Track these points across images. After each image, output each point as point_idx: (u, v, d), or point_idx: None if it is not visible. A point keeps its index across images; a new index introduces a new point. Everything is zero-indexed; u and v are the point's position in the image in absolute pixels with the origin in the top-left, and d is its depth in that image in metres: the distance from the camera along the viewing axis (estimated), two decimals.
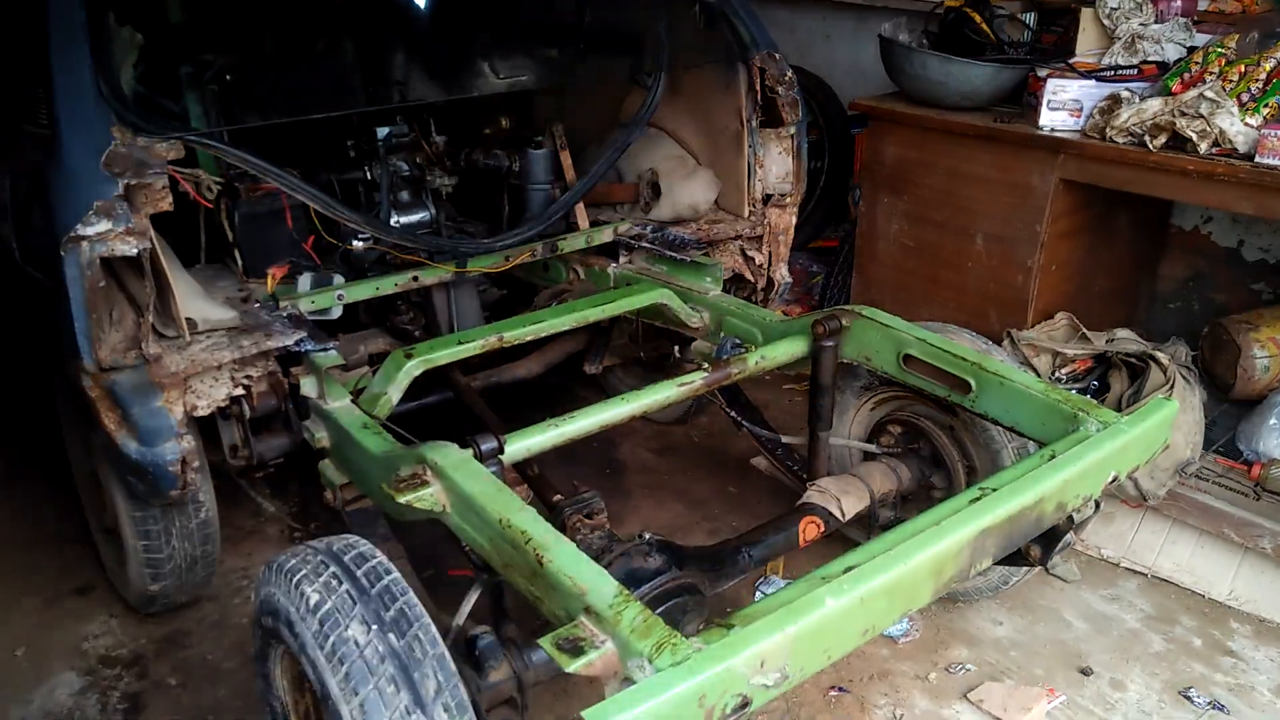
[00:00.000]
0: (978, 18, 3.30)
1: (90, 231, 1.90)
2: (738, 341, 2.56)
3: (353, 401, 2.24)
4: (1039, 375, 3.00)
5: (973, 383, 2.16)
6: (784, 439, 2.72)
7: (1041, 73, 3.07)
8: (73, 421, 2.57)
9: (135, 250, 1.95)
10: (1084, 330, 3.06)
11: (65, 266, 1.91)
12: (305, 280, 2.53)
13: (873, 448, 2.50)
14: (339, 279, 2.61)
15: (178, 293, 2.14)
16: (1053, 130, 2.98)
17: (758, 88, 2.91)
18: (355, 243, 2.66)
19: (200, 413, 2.14)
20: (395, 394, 2.30)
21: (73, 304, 1.93)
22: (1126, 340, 2.99)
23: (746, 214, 3.07)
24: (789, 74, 2.93)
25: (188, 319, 2.17)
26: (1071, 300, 3.22)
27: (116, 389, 2.03)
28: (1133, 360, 2.90)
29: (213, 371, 2.16)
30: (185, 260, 2.46)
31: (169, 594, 2.48)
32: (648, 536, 1.93)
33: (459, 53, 2.66)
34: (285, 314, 2.38)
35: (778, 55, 2.91)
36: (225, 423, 2.29)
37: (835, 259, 4.05)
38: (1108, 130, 2.83)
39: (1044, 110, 2.99)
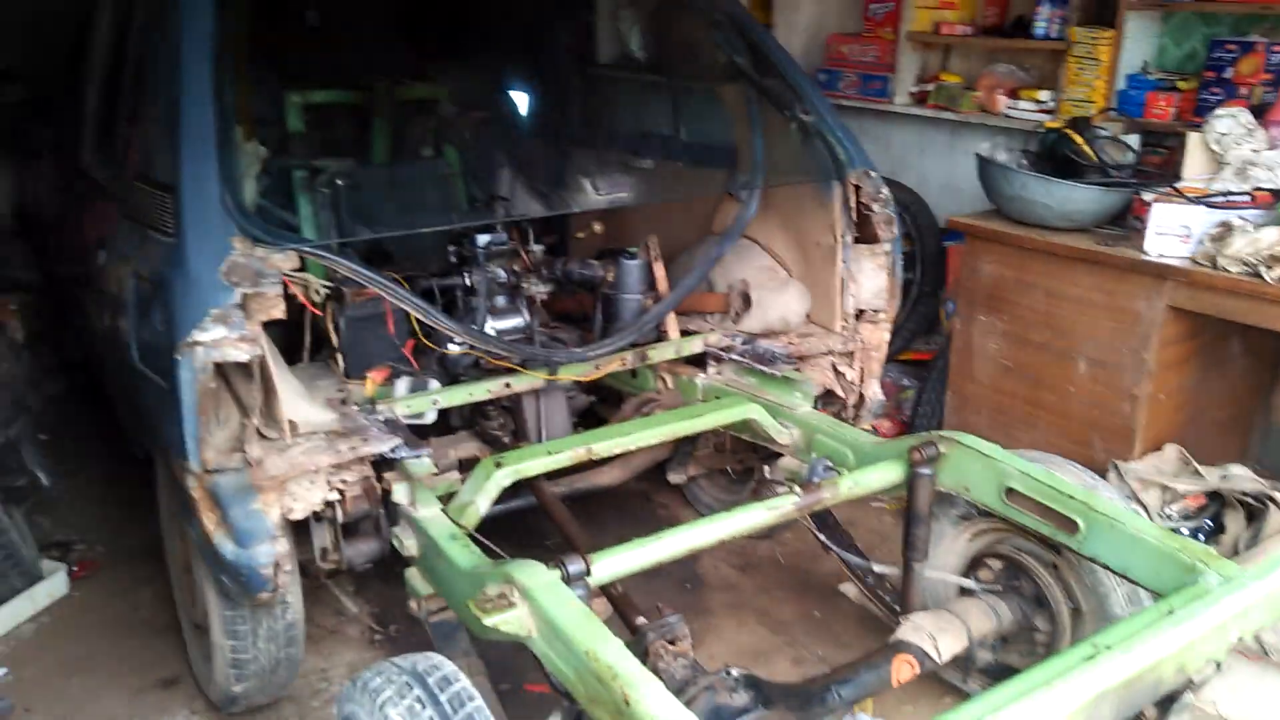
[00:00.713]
0: (1079, 139, 3.27)
1: (206, 337, 1.97)
2: (829, 464, 2.51)
3: (442, 510, 2.25)
4: (1147, 511, 2.87)
5: (1080, 523, 2.06)
6: (875, 567, 2.63)
7: (1147, 196, 3.01)
8: (172, 516, 2.64)
9: (247, 356, 2.02)
10: (1195, 464, 2.92)
11: (179, 370, 1.99)
12: (403, 385, 2.58)
13: (971, 583, 2.39)
14: (434, 384, 2.65)
15: (282, 395, 2.20)
16: (1160, 256, 2.91)
17: (852, 204, 2.92)
18: (451, 347, 2.71)
19: (295, 516, 2.17)
20: (484, 504, 2.31)
21: (183, 406, 2.00)
22: (1242, 478, 2.84)
23: (838, 329, 3.04)
24: (884, 192, 2.93)
25: (290, 421, 2.23)
26: (1181, 431, 3.09)
27: (218, 490, 2.08)
28: (1250, 500, 2.75)
29: (310, 475, 2.19)
30: (289, 357, 2.55)
31: (251, 695, 2.48)
32: (734, 673, 1.86)
33: (561, 170, 2.74)
34: (382, 418, 2.42)
35: (873, 173, 2.92)
36: (317, 525, 2.32)
37: (928, 373, 3.97)
38: (1219, 258, 2.75)
39: (1150, 235, 2.92)
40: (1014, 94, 3.95)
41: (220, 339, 1.99)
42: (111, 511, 3.49)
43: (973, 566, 2.46)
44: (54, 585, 2.99)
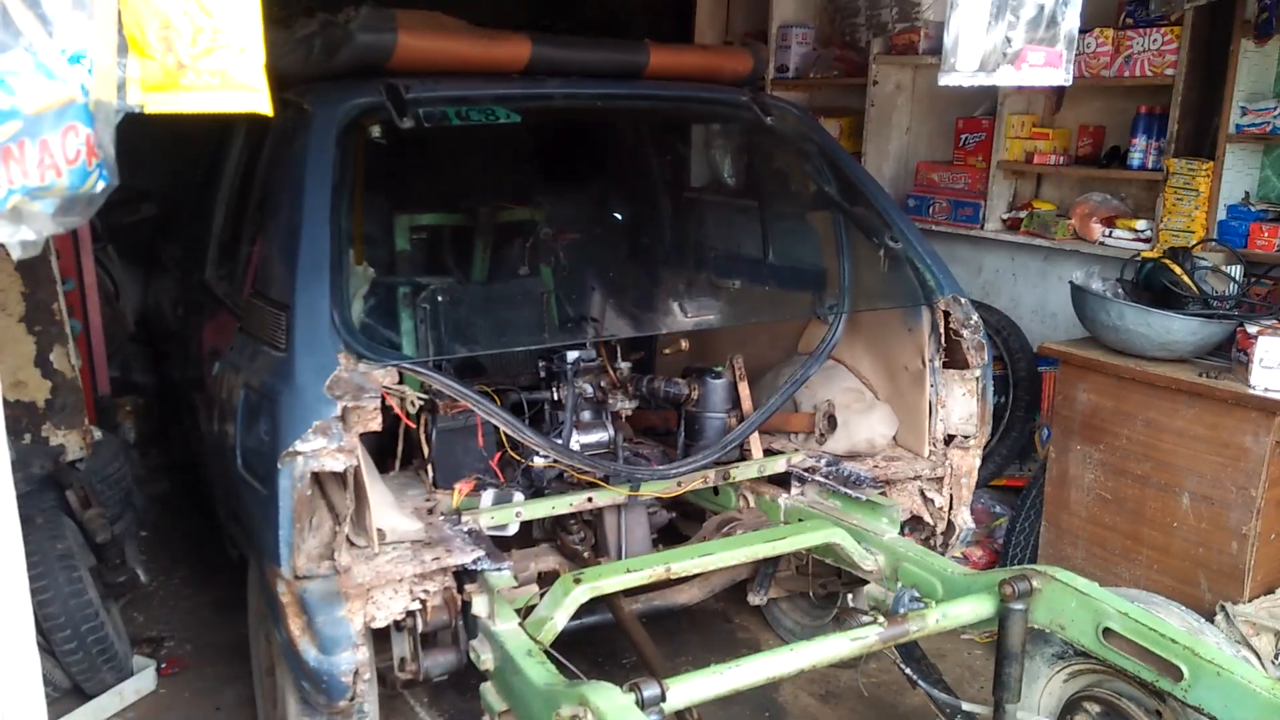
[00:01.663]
0: (1177, 269, 3.21)
1: (306, 448, 2.06)
2: (916, 594, 2.43)
3: (520, 624, 2.26)
4: (1259, 658, 2.69)
5: (1184, 669, 1.95)
6: (965, 706, 2.51)
7: (1251, 329, 2.92)
8: (260, 618, 2.70)
9: (343, 466, 2.10)
10: None
11: (279, 478, 2.08)
12: (488, 497, 2.63)
13: None
14: (518, 496, 2.69)
15: (373, 504, 2.27)
16: (1267, 390, 2.80)
17: (941, 330, 2.91)
18: (537, 460, 2.76)
19: (378, 624, 2.21)
20: (561, 620, 2.30)
21: (280, 513, 2.08)
22: None
23: (926, 453, 3.00)
24: (974, 318, 2.92)
25: (379, 530, 2.29)
26: None
27: (306, 596, 2.13)
28: None
29: (394, 584, 2.24)
30: (380, 465, 2.63)
31: None
32: None
33: (651, 291, 2.81)
34: (466, 529, 2.47)
35: (963, 299, 2.92)
36: (398, 634, 2.35)
37: (1022, 501, 3.84)
38: None
39: (1256, 368, 2.82)
40: (1110, 222, 3.93)
41: (320, 449, 2.08)
42: (202, 610, 3.59)
43: (1069, 710, 2.33)
44: (143, 681, 3.06)
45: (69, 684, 2.86)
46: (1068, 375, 3.39)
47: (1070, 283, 3.36)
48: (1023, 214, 4.28)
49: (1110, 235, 3.89)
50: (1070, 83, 2.08)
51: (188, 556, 3.92)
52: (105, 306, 4.10)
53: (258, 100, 1.17)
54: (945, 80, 1.93)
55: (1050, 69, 1.97)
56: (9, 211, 1.03)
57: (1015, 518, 3.84)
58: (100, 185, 1.10)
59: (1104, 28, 3.85)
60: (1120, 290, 3.34)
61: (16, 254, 1.09)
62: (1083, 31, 3.86)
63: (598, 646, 2.98)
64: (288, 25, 3.04)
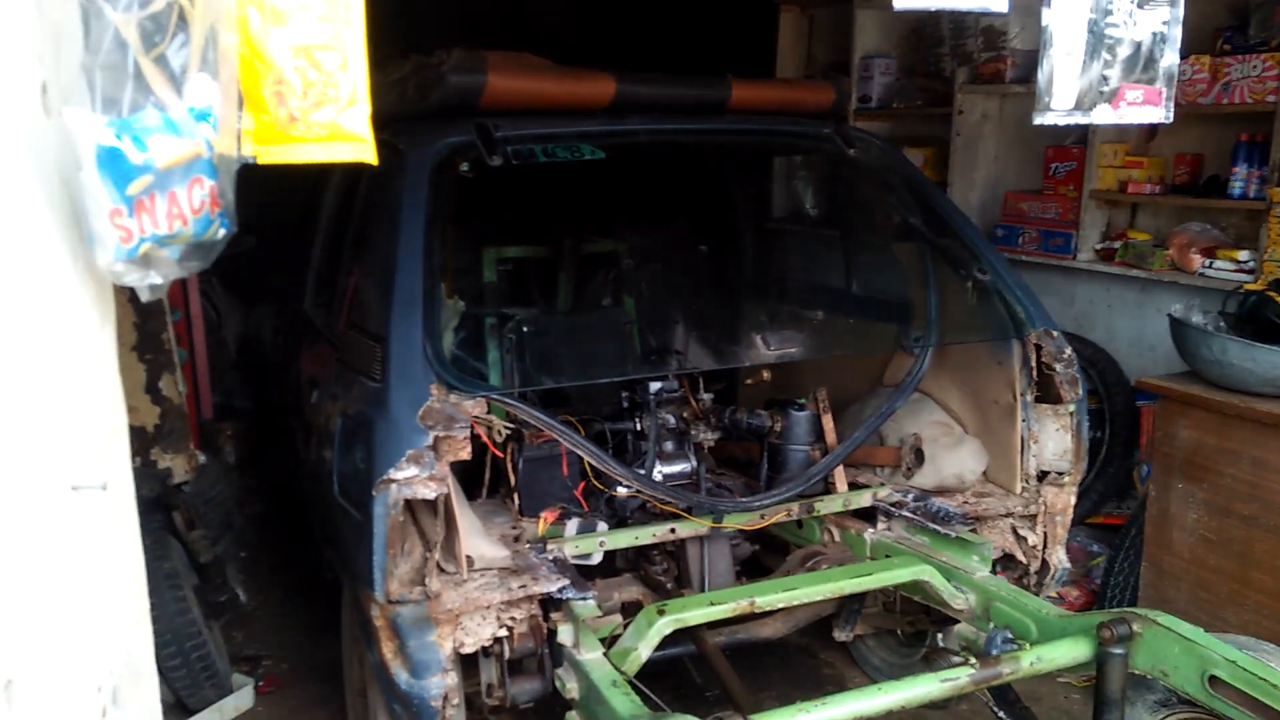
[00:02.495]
0: None
1: (400, 475, 2.13)
2: (1008, 635, 2.37)
3: (604, 654, 2.27)
4: None
5: None
6: None
7: None
8: (353, 640, 2.78)
9: (435, 494, 2.16)
10: None
11: (374, 505, 2.14)
12: (572, 526, 2.66)
13: None
14: (602, 526, 2.72)
15: (462, 531, 2.32)
16: None
17: (1033, 363, 2.85)
18: (620, 489, 2.79)
19: (466, 650, 2.25)
20: (645, 651, 2.31)
21: (374, 539, 2.15)
22: None
23: (1019, 490, 2.93)
24: (1067, 351, 2.85)
25: (467, 556, 2.34)
26: None
27: (398, 621, 2.19)
28: None
29: (482, 610, 2.28)
30: (469, 493, 2.69)
31: None
32: None
33: (734, 323, 2.83)
34: (551, 557, 2.50)
35: (1055, 333, 2.86)
36: (485, 661, 2.39)
37: (1121, 541, 3.70)
38: None
39: None
40: (1209, 253, 3.80)
41: (413, 477, 2.14)
42: (299, 631, 3.70)
43: None
44: (241, 699, 3.16)
45: (172, 699, 2.97)
46: (1168, 411, 3.27)
47: (1169, 316, 3.26)
48: (1117, 244, 4.16)
49: (1210, 266, 3.76)
50: (1171, 120, 2.03)
51: (285, 578, 4.05)
52: (209, 335, 4.28)
53: (364, 150, 1.24)
54: (1040, 119, 1.90)
55: (1150, 107, 1.92)
56: (139, 258, 1.11)
57: (1114, 557, 3.70)
58: (221, 232, 1.17)
59: (1200, 55, 3.74)
60: (1222, 324, 3.22)
61: (145, 296, 1.16)
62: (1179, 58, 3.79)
63: (681, 679, 2.97)
64: (383, 67, 3.17)
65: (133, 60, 1.08)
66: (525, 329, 3.23)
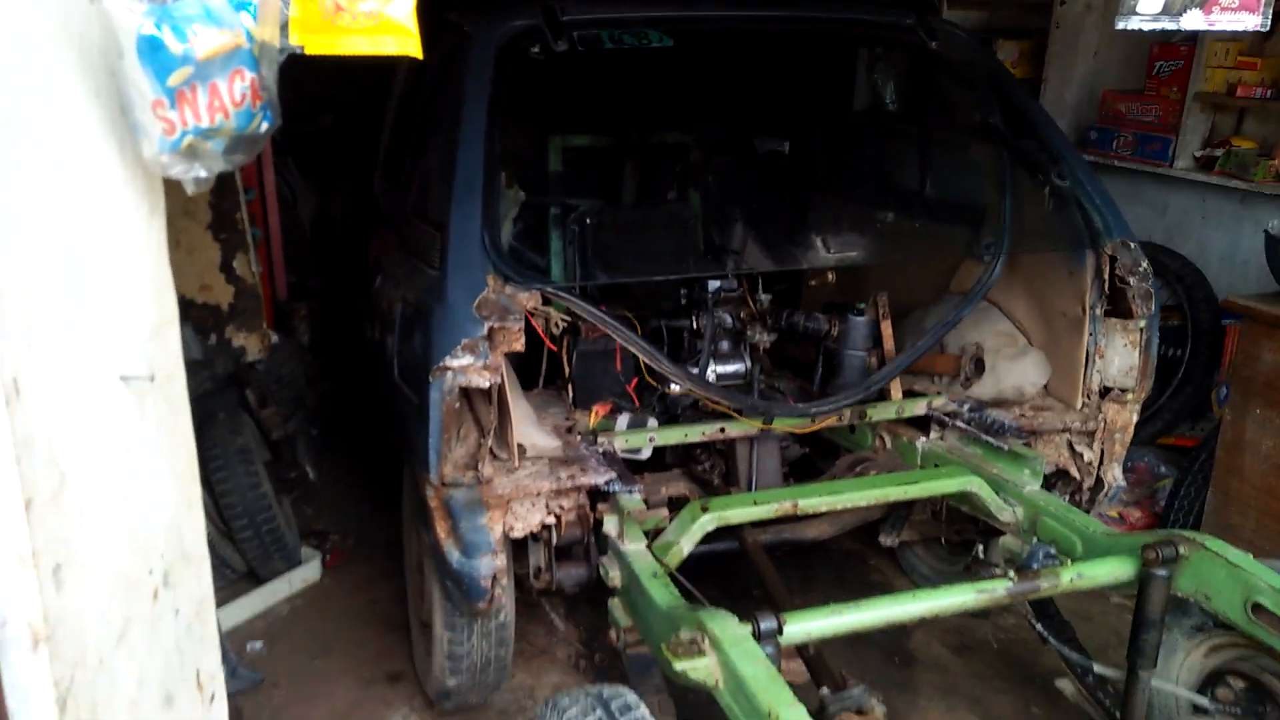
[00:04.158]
0: None
1: (455, 364, 2.18)
2: (1051, 551, 2.36)
3: (647, 546, 2.34)
4: None
5: None
6: (1096, 668, 2.44)
7: None
8: (411, 519, 2.91)
9: (488, 383, 2.21)
10: None
11: (430, 390, 2.21)
12: (623, 420, 2.70)
13: (1205, 702, 2.17)
14: (653, 422, 2.75)
15: (515, 420, 2.38)
16: None
17: (1105, 276, 2.74)
18: (673, 387, 2.81)
19: (515, 534, 2.34)
20: (687, 545, 2.37)
21: (430, 423, 2.22)
22: None
23: (1080, 405, 2.86)
24: (1144, 264, 2.73)
25: (519, 445, 2.40)
26: None
27: (451, 503, 2.28)
28: None
29: (532, 498, 2.36)
30: (526, 382, 2.74)
31: (463, 692, 2.67)
32: None
33: (797, 224, 2.77)
34: (601, 450, 2.55)
35: (1132, 244, 2.73)
36: (534, 545, 2.48)
37: (1190, 463, 3.61)
38: None
39: None
40: None
41: (467, 365, 2.19)
42: (365, 507, 3.87)
43: (1210, 682, 2.23)
44: (309, 571, 3.35)
45: (245, 568, 3.17)
46: (1252, 332, 3.13)
47: (1265, 232, 3.08)
48: (1219, 152, 3.92)
49: None
50: (1268, 28, 1.87)
51: (354, 456, 4.22)
52: (284, 215, 4.36)
53: (409, 44, 1.23)
54: (1123, 24, 1.78)
55: (1245, 13, 1.78)
56: (184, 150, 1.13)
57: (1181, 480, 3.61)
58: (264, 126, 1.18)
59: None
60: None
61: (190, 189, 1.19)
62: None
63: (730, 576, 3.04)
64: None
65: None
66: (587, 219, 3.21)
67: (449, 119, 2.55)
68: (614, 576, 2.34)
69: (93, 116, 1.11)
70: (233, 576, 3.16)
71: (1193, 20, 1.77)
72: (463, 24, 2.80)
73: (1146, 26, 1.78)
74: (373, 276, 3.02)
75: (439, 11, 3.04)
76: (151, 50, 1.06)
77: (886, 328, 2.96)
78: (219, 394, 3.09)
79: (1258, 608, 1.99)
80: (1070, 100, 4.51)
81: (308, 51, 1.24)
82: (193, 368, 3.00)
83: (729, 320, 3.07)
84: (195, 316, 3.17)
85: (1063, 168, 2.81)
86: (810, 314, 3.03)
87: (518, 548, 2.50)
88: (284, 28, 1.20)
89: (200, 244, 3.18)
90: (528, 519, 2.36)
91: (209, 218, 3.18)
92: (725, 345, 3.06)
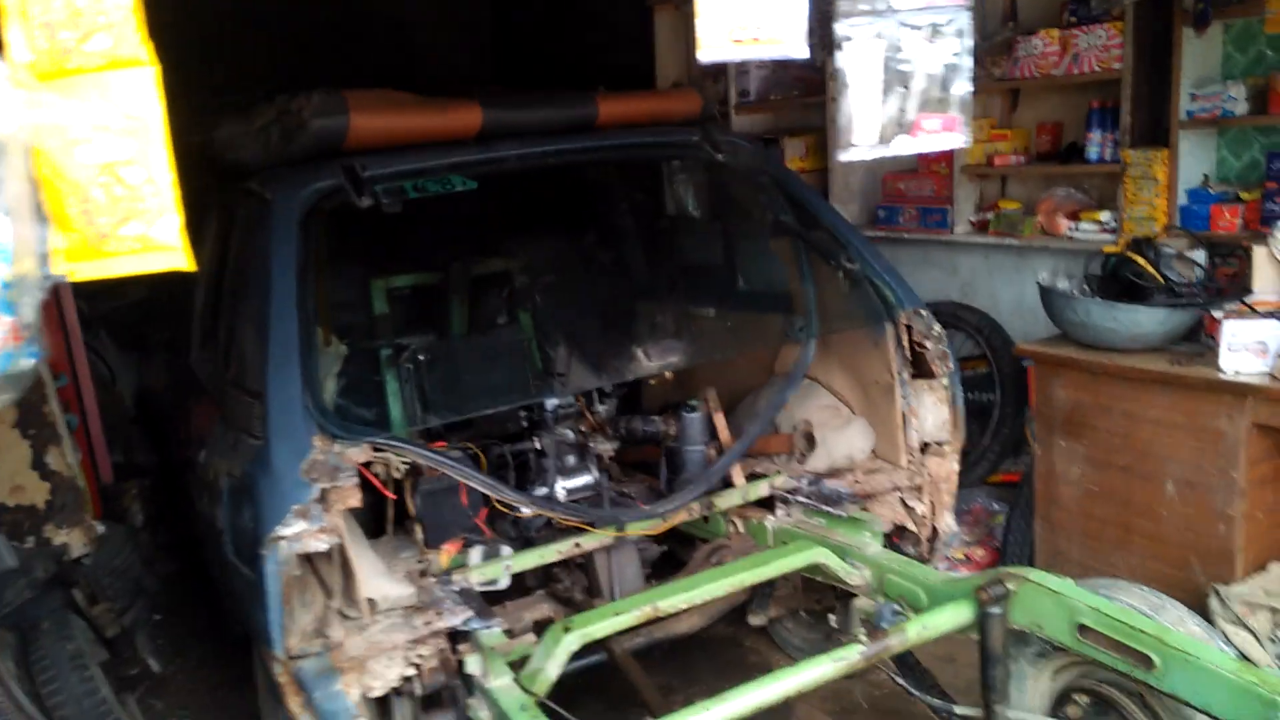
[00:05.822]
0: (1141, 260, 3.25)
1: (289, 532, 2.13)
2: (897, 608, 2.48)
3: (514, 678, 2.31)
4: (1256, 636, 2.72)
5: (1155, 659, 1.99)
6: (957, 710, 2.54)
7: (1217, 313, 2.96)
8: (267, 696, 2.77)
9: (326, 546, 2.17)
10: None
11: (265, 564, 2.15)
12: (476, 554, 2.68)
13: None
14: (507, 549, 2.74)
15: (362, 575, 2.34)
16: (1236, 373, 2.84)
17: (905, 342, 2.97)
18: (524, 510, 2.82)
19: (375, 694, 2.27)
20: (554, 670, 2.35)
21: (269, 597, 2.15)
22: None
23: (904, 463, 3.04)
24: (936, 328, 2.97)
25: (369, 599, 2.35)
26: None
27: (301, 674, 2.19)
28: None
29: (388, 653, 2.30)
30: (379, 527, 2.69)
31: None
32: None
33: (617, 340, 2.88)
34: (456, 588, 2.52)
35: (923, 312, 2.97)
36: (398, 700, 2.40)
37: (1016, 498, 3.87)
38: None
39: (1224, 352, 2.86)
40: (1075, 216, 3.98)
41: (301, 532, 2.14)
42: (219, 691, 3.62)
43: (1060, 703, 2.36)
44: None
45: None
46: (1044, 373, 3.43)
47: (1037, 284, 3.41)
48: (990, 215, 4.33)
49: (1077, 229, 3.94)
50: (970, 143, 2.14)
51: (202, 636, 3.97)
52: (102, 394, 4.17)
53: (177, 259, 1.26)
54: (844, 157, 2.00)
55: (948, 133, 2.03)
56: None
57: (1010, 515, 3.86)
58: (28, 362, 1.17)
59: (1049, 28, 3.91)
60: (1087, 286, 3.38)
61: None
62: (1028, 33, 3.96)
63: (612, 682, 3.01)
64: (248, 113, 3.14)
65: None
66: (420, 357, 3.24)
67: (258, 288, 2.55)
68: (484, 717, 2.29)
69: None
70: None
71: (902, 145, 2.00)
72: (264, 192, 2.83)
73: (865, 157, 2.00)
74: (197, 450, 2.93)
75: (238, 181, 3.07)
76: None
77: (719, 420, 3.09)
78: (41, 599, 2.88)
79: (1083, 628, 2.13)
80: (855, 186, 4.90)
81: (74, 279, 1.25)
82: (8, 577, 2.83)
83: (571, 435, 3.14)
84: (8, 521, 2.98)
85: (849, 252, 3.05)
86: (647, 417, 3.13)
87: (381, 704, 2.42)
88: (44, 257, 1.21)
89: (7, 443, 3.01)
90: (386, 675, 2.29)
91: (14, 415, 3.02)
92: (571, 460, 3.12)
